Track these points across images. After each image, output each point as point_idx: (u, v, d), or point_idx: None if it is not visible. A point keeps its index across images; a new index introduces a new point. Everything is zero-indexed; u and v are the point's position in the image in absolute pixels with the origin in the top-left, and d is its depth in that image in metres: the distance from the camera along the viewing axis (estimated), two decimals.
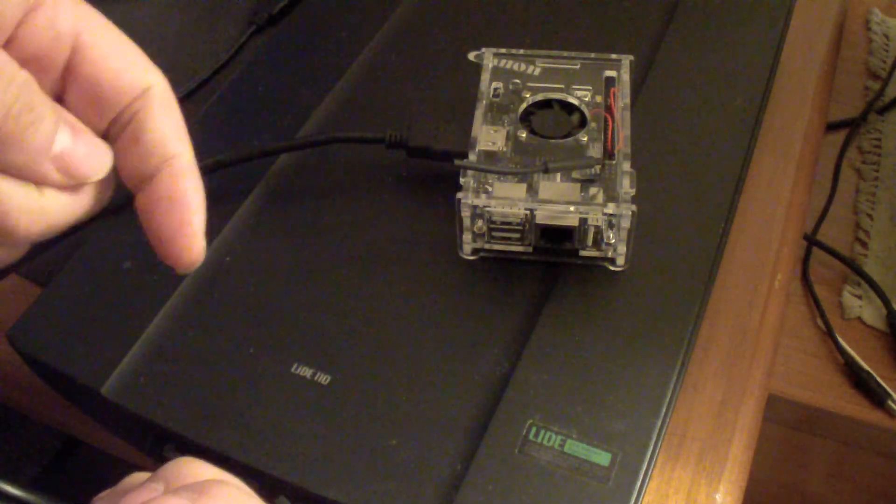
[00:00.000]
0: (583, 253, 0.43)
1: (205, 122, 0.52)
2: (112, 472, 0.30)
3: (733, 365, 0.43)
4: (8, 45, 0.25)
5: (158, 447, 0.41)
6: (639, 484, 0.37)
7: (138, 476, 0.28)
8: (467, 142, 0.44)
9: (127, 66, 0.27)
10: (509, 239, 0.43)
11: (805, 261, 0.80)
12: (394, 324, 0.43)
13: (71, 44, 0.26)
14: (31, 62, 0.25)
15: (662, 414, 0.39)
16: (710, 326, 0.44)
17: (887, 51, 0.95)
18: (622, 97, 0.46)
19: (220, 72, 0.57)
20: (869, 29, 0.97)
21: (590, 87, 0.47)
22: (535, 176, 0.43)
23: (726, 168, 0.48)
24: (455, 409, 0.39)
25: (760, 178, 0.51)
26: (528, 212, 0.42)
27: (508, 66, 0.48)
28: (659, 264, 0.44)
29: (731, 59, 0.54)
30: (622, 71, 0.47)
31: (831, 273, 0.80)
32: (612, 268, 0.44)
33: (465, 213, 0.42)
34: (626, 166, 0.42)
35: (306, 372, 0.41)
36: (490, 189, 0.42)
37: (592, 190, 0.42)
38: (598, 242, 0.43)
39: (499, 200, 0.42)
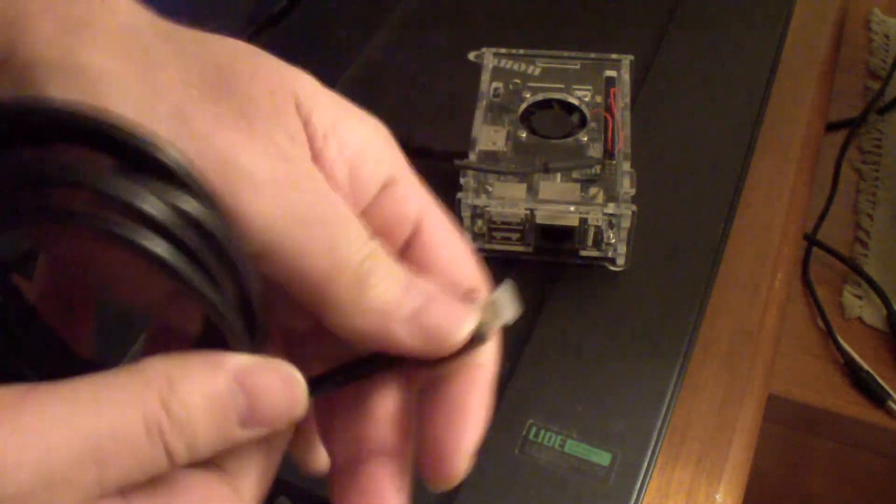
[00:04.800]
0: (583, 253, 0.43)
1: None
2: None
3: (733, 365, 0.43)
4: (362, 214, 0.25)
5: None
6: (639, 484, 0.37)
7: None
8: (467, 142, 0.44)
9: (459, 262, 0.25)
10: (509, 239, 0.43)
11: (805, 261, 0.80)
12: None
13: (413, 226, 0.25)
14: (377, 233, 0.24)
15: (662, 414, 0.39)
16: (710, 326, 0.44)
17: (887, 51, 0.95)
18: (622, 97, 0.46)
19: None
20: (869, 29, 0.97)
21: (590, 87, 0.47)
22: (535, 176, 0.43)
23: (726, 168, 0.48)
24: None
25: (760, 178, 0.51)
26: (528, 212, 0.42)
27: (508, 66, 0.48)
28: (659, 264, 0.44)
29: (731, 59, 0.54)
30: (622, 71, 0.47)
31: (831, 273, 0.80)
32: (612, 268, 0.44)
33: (465, 213, 0.42)
34: (626, 166, 0.42)
35: None
36: (490, 189, 0.42)
37: (592, 190, 0.42)
38: (598, 242, 0.43)
39: (499, 200, 0.42)
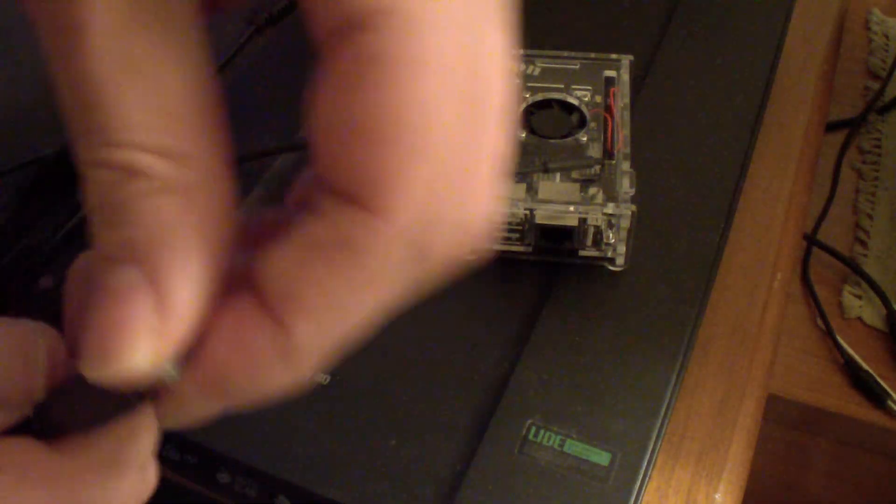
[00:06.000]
0: (582, 253, 0.43)
1: None
2: None
3: (733, 365, 0.43)
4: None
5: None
6: (638, 484, 0.37)
7: None
8: None
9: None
10: (509, 239, 0.43)
11: (805, 261, 0.80)
12: (393, 323, 0.42)
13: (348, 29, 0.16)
14: None
15: (662, 414, 0.39)
16: (710, 326, 0.44)
17: (887, 51, 0.95)
18: (622, 97, 0.46)
19: (221, 72, 0.57)
20: (869, 29, 0.97)
21: (589, 87, 0.47)
22: (535, 176, 0.43)
23: (726, 168, 0.48)
24: (455, 409, 0.39)
25: (760, 178, 0.51)
26: (527, 212, 0.42)
27: None
28: (659, 264, 0.44)
29: (731, 58, 0.54)
30: (622, 71, 0.47)
31: (831, 273, 0.80)
32: (611, 268, 0.44)
33: None
34: (626, 166, 0.42)
35: None
36: None
37: (592, 190, 0.42)
38: (597, 242, 0.43)
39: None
